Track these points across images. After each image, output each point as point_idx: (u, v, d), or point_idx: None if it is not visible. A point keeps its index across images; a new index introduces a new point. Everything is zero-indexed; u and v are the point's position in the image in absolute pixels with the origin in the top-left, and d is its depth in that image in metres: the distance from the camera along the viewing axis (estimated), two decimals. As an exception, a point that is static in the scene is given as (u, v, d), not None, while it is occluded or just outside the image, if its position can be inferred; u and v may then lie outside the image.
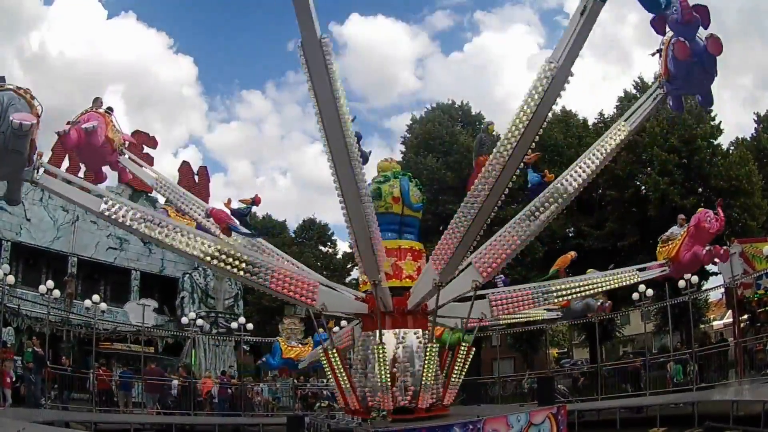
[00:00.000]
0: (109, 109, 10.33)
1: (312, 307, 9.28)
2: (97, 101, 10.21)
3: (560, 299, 12.45)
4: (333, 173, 7.74)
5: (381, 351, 8.98)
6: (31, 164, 7.63)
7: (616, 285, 12.39)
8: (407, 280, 10.21)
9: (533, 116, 7.53)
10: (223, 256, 8.73)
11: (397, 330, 9.65)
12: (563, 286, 11.21)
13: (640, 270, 12.55)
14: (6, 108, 6.84)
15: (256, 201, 10.41)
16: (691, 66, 8.54)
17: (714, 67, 8.59)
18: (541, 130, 7.73)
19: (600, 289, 13.06)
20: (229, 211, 9.91)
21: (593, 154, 9.44)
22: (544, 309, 14.57)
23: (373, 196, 10.04)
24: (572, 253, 15.76)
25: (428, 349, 9.32)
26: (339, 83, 7.10)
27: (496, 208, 8.51)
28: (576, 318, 17.59)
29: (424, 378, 9.25)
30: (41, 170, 7.94)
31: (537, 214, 9.01)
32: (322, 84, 6.93)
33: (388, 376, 9.04)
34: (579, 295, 12.68)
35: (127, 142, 11.23)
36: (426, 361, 9.29)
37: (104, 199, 8.33)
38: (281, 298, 9.38)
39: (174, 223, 8.84)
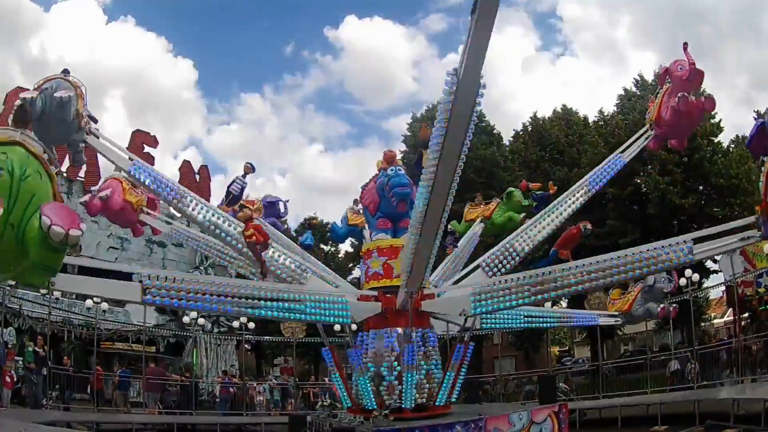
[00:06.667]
0: (65, 71, 9.07)
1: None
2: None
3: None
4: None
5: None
6: (81, 129, 8.76)
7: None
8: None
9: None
10: None
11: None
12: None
13: (599, 315, 14.40)
14: (55, 89, 8.18)
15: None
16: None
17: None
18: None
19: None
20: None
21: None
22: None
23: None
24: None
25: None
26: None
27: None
28: (637, 322, 16.85)
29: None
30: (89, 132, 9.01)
31: None
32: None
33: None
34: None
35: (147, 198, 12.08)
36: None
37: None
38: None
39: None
